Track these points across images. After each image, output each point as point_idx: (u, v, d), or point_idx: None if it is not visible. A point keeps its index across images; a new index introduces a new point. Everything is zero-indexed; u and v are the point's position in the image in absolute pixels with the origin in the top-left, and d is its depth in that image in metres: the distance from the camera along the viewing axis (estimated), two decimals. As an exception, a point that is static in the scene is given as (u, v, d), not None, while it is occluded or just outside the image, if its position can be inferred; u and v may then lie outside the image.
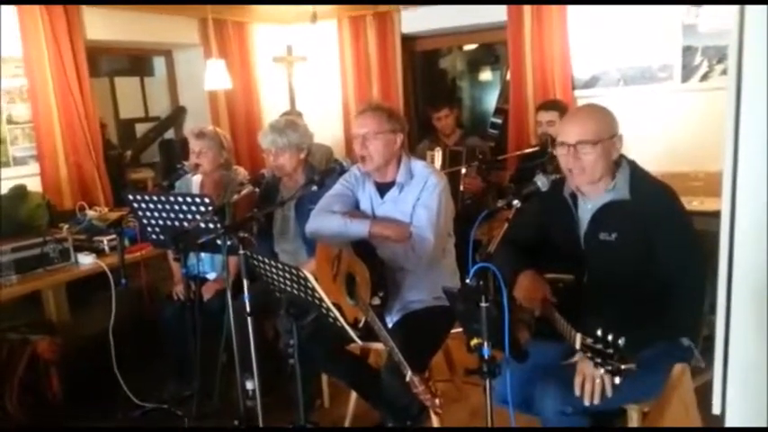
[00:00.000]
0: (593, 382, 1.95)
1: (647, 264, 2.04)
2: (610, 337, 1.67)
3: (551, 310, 2.09)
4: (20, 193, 3.56)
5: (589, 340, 1.75)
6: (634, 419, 2.17)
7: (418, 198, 2.63)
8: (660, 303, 1.99)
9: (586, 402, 1.95)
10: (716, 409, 1.64)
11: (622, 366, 1.65)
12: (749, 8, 1.42)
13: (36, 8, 3.87)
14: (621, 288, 2.04)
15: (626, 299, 2.00)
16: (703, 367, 2.12)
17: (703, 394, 1.73)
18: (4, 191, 3.58)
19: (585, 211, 2.18)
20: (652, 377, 1.86)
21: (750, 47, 1.43)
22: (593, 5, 4.44)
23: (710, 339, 1.70)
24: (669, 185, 2.12)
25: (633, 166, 2.15)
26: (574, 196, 2.22)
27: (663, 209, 2.06)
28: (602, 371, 1.91)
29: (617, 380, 1.69)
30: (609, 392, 1.95)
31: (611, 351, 1.66)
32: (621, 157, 2.14)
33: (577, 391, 1.97)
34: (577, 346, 1.84)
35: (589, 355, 1.76)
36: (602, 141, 2.04)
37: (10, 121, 3.89)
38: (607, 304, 2.00)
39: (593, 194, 2.15)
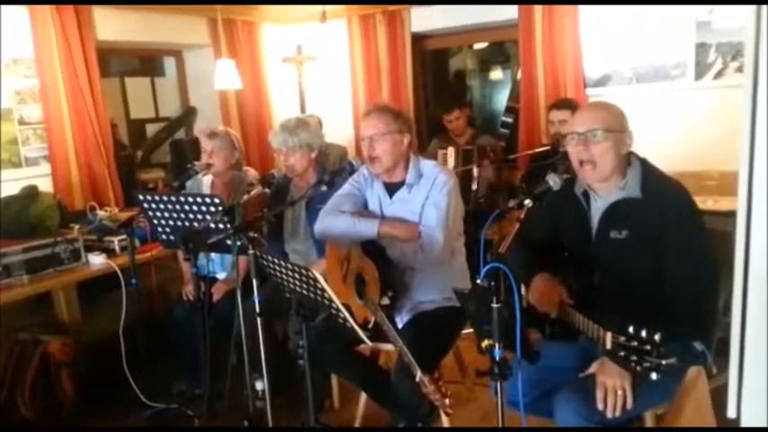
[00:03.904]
0: (615, 394, 1.89)
1: (657, 263, 2.01)
2: (644, 333, 1.62)
3: (569, 311, 2.06)
4: (31, 193, 3.56)
5: (622, 338, 1.69)
6: (648, 421, 2.14)
7: (427, 197, 2.61)
8: (670, 304, 1.95)
9: (609, 415, 1.90)
10: (731, 413, 1.61)
11: (663, 362, 1.60)
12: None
13: (47, 9, 3.89)
14: (632, 287, 2.01)
15: (636, 298, 1.97)
16: (716, 373, 2.09)
17: (718, 397, 1.70)
18: (16, 191, 3.59)
19: (597, 209, 2.16)
20: (667, 383, 1.84)
21: (767, 43, 1.40)
22: (605, 5, 4.40)
23: (725, 342, 1.67)
24: (681, 183, 2.09)
25: (644, 164, 2.12)
26: (586, 195, 2.19)
27: (674, 207, 2.02)
28: (623, 385, 1.88)
29: (654, 376, 1.62)
30: (630, 404, 1.90)
31: (648, 347, 1.62)
32: (632, 155, 2.12)
33: (600, 406, 1.91)
34: (608, 345, 1.78)
35: (622, 353, 1.70)
36: (612, 132, 2.02)
37: (22, 122, 3.91)
38: (618, 303, 1.97)
39: (604, 192, 2.13)
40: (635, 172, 2.09)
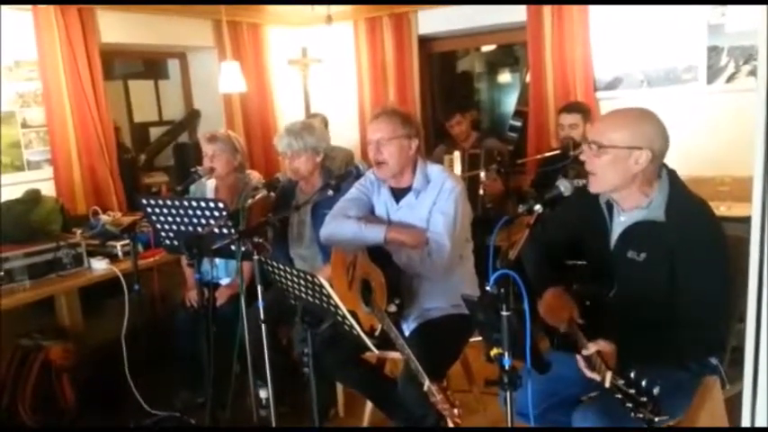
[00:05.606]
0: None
1: (674, 285, 1.94)
2: (644, 383, 1.55)
3: (577, 333, 2.00)
4: (34, 197, 3.53)
5: (621, 381, 1.63)
6: (660, 428, 2.10)
7: (434, 203, 2.57)
8: (686, 323, 1.89)
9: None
10: (745, 422, 1.56)
11: (656, 419, 1.53)
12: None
13: (51, 11, 3.86)
14: (647, 308, 1.94)
15: (650, 317, 1.91)
16: (728, 387, 2.03)
17: (732, 407, 1.66)
18: (18, 195, 3.56)
19: (618, 224, 2.07)
20: (679, 398, 1.78)
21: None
22: (616, 5, 4.35)
23: (739, 350, 1.62)
24: (708, 207, 1.99)
25: (672, 181, 2.01)
26: (609, 206, 2.11)
27: (696, 235, 1.93)
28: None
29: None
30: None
31: (644, 399, 1.55)
32: (663, 168, 2.01)
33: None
34: (607, 384, 1.71)
35: (619, 396, 1.64)
36: (615, 148, 1.92)
37: (24, 125, 3.88)
38: (631, 323, 1.91)
39: (627, 207, 2.04)
40: (662, 190, 1.98)
